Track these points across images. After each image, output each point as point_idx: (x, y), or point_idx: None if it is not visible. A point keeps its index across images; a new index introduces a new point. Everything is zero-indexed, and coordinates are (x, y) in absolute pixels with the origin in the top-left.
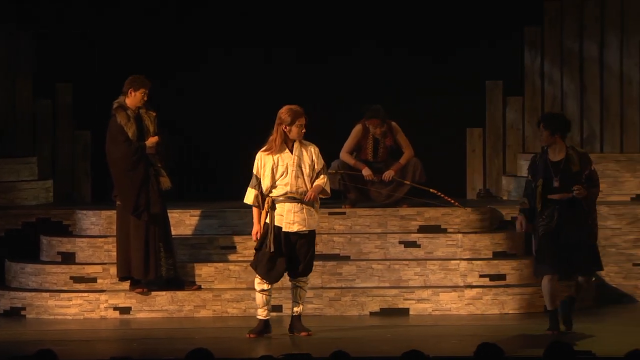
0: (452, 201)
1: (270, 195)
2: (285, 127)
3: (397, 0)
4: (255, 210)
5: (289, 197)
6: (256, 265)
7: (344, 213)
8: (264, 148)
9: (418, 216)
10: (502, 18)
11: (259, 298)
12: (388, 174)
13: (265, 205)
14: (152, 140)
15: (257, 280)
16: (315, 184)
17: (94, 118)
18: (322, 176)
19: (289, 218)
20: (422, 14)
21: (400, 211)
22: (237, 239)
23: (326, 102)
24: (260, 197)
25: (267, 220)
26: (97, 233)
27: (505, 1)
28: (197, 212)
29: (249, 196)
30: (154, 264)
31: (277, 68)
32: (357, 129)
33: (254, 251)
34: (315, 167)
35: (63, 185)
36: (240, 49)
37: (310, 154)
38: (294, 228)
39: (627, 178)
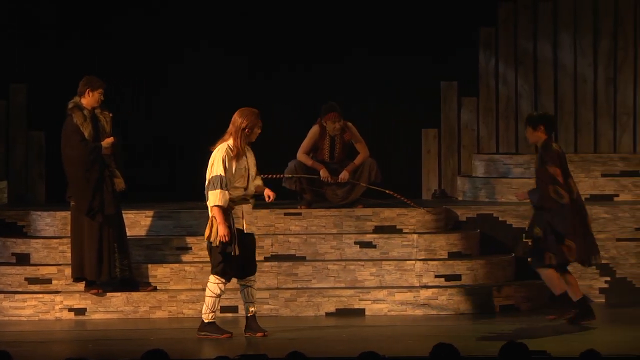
0: (408, 201)
1: (231, 197)
2: (247, 130)
3: (353, 1)
4: (221, 212)
5: (243, 199)
6: (224, 272)
7: (299, 214)
8: (226, 150)
9: (374, 217)
10: (456, 19)
11: (214, 302)
12: (343, 176)
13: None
14: (108, 141)
15: (218, 285)
16: (255, 183)
17: (48, 119)
18: (258, 177)
19: (246, 219)
20: (378, 15)
21: (355, 212)
22: (192, 239)
23: (280, 105)
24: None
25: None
26: (52, 234)
27: (459, 2)
28: (152, 212)
29: (221, 197)
30: (108, 265)
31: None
32: (314, 129)
33: (218, 255)
34: (255, 168)
35: (17, 186)
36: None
37: (252, 156)
38: (251, 229)
39: (582, 178)
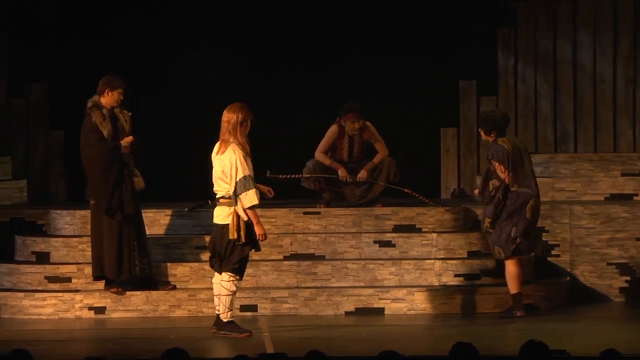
0: (427, 200)
1: None
2: (244, 123)
3: (374, 3)
4: (255, 212)
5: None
6: (240, 269)
7: (318, 213)
8: (240, 148)
9: (393, 216)
10: (476, 18)
11: (231, 300)
12: (362, 175)
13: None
14: (127, 140)
15: (233, 282)
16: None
17: (68, 117)
18: None
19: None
20: (396, 16)
21: (375, 211)
22: None
23: (301, 106)
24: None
25: (248, 221)
26: (72, 233)
27: (478, 1)
28: (171, 211)
29: (257, 196)
30: (128, 263)
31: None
32: (332, 129)
33: (239, 254)
34: None
35: (37, 185)
36: (213, 49)
37: None
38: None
39: (601, 178)
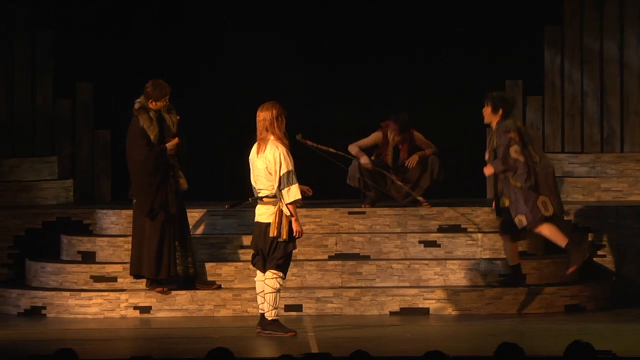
0: (398, 182)
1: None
2: (280, 118)
3: (418, 4)
4: (295, 207)
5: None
6: (285, 265)
7: (363, 212)
8: (282, 144)
9: (438, 216)
10: (522, 17)
11: (275, 298)
12: (412, 159)
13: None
14: (172, 143)
15: (276, 279)
16: None
17: (113, 117)
18: None
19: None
20: (443, 17)
21: (420, 211)
22: None
23: (352, 103)
24: None
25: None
26: (117, 232)
27: (524, 1)
28: (217, 211)
29: (299, 191)
30: (167, 262)
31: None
32: (377, 134)
33: (283, 251)
34: None
35: (83, 184)
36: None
37: None
38: None
39: None
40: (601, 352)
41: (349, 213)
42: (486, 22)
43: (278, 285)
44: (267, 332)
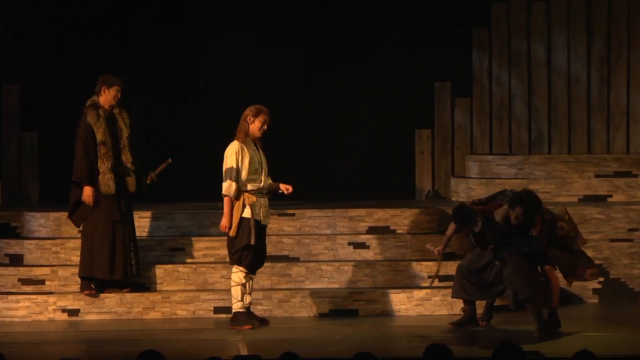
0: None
1: (247, 189)
2: (250, 118)
3: (352, 3)
4: (228, 203)
5: (259, 192)
6: (240, 260)
7: (293, 214)
8: (235, 142)
9: (367, 217)
10: (450, 19)
11: (237, 291)
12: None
13: (247, 200)
14: (88, 194)
15: (241, 274)
16: (268, 181)
17: (41, 120)
18: (269, 177)
19: (263, 212)
20: (371, 16)
21: (349, 212)
22: (185, 240)
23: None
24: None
25: (245, 215)
26: (45, 235)
27: (453, 2)
28: (146, 213)
29: (231, 188)
30: (122, 263)
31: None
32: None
33: (232, 245)
34: (267, 167)
35: (10, 187)
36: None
37: (264, 155)
38: (266, 222)
39: (575, 179)
40: (529, 353)
41: (279, 215)
42: (415, 22)
43: (238, 280)
44: (230, 324)
